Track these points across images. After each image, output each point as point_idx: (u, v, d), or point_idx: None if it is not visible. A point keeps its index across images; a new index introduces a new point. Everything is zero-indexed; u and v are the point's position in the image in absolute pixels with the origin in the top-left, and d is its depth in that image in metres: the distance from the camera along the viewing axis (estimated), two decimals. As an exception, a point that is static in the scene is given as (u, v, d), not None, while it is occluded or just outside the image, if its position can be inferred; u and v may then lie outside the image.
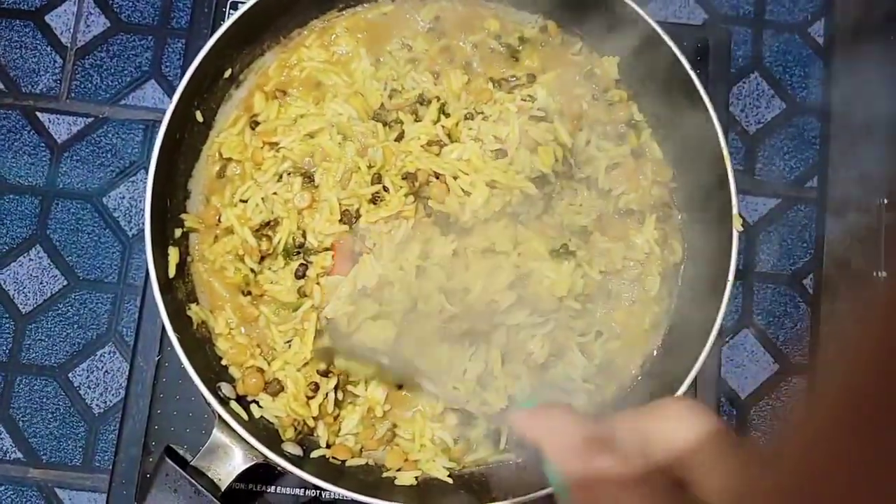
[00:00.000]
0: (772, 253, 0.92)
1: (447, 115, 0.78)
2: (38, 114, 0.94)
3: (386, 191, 0.74)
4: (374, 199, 0.75)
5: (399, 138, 0.77)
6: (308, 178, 0.77)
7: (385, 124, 0.78)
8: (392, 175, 0.75)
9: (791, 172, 0.94)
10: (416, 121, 0.78)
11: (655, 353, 0.78)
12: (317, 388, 0.73)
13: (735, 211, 0.72)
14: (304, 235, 0.76)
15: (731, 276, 0.72)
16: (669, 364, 0.75)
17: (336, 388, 0.74)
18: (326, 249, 0.75)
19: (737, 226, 0.72)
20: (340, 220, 0.74)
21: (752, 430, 0.88)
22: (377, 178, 0.75)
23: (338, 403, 0.74)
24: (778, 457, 0.32)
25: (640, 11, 0.75)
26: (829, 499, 0.27)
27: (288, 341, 0.75)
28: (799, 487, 0.29)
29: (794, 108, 0.96)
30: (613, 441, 0.41)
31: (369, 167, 0.75)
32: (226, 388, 0.73)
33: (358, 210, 0.75)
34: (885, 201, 0.78)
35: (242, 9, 0.77)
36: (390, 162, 0.76)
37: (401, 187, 0.74)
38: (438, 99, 0.79)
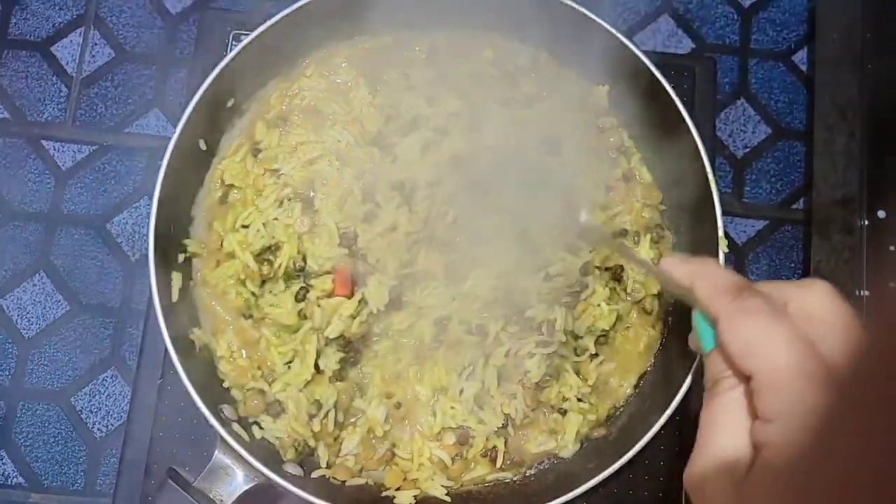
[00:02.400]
0: (761, 273, 0.95)
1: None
2: (44, 142, 0.96)
3: (378, 206, 0.77)
4: (368, 218, 0.77)
5: (394, 161, 0.80)
6: (308, 203, 0.79)
7: (381, 148, 0.81)
8: (382, 189, 0.77)
9: (778, 195, 0.97)
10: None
11: (648, 372, 0.80)
12: (319, 406, 0.75)
13: (720, 232, 0.75)
14: (304, 259, 0.78)
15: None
16: (662, 382, 0.77)
17: (336, 410, 0.75)
18: (327, 273, 0.77)
19: (722, 247, 0.74)
20: (340, 244, 0.77)
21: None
22: (369, 196, 0.77)
23: (338, 424, 0.75)
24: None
25: (627, 42, 0.78)
26: None
27: (288, 363, 0.77)
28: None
29: (779, 133, 0.99)
30: (761, 293, 0.47)
31: (362, 188, 0.78)
32: (227, 410, 0.75)
33: (355, 230, 0.77)
34: (867, 223, 0.81)
35: (245, 40, 0.79)
36: (381, 178, 0.78)
37: (392, 198, 0.76)
38: (429, 119, 0.82)
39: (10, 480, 0.87)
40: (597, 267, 0.78)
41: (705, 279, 0.49)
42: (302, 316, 0.77)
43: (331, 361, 0.75)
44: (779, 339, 0.43)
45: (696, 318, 0.51)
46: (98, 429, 0.89)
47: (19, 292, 0.92)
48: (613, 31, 0.78)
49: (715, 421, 0.46)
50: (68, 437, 0.88)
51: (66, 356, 0.91)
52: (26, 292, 0.92)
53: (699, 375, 0.73)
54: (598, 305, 0.77)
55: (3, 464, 0.88)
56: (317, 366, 0.76)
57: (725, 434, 0.45)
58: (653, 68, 0.77)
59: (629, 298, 0.79)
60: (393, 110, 0.83)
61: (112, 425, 0.89)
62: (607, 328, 0.77)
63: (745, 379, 0.45)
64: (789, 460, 0.40)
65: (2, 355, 0.90)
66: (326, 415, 0.75)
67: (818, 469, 0.31)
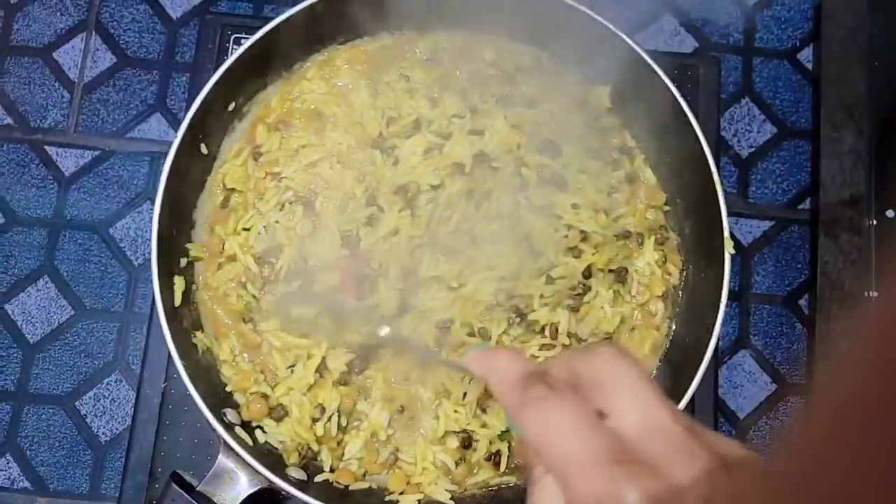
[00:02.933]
0: (767, 274, 0.94)
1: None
2: (46, 147, 0.97)
3: (381, 210, 0.77)
4: (370, 222, 0.77)
5: (396, 163, 0.80)
6: (309, 206, 0.79)
7: (382, 151, 0.81)
8: (385, 194, 0.77)
9: (784, 195, 0.96)
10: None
11: (654, 375, 0.79)
12: (322, 410, 0.74)
13: (726, 234, 0.74)
14: (305, 261, 0.78)
15: (723, 299, 0.73)
16: (667, 385, 0.76)
17: (339, 414, 0.75)
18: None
19: (728, 248, 0.73)
20: (342, 245, 0.77)
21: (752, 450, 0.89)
22: (372, 200, 0.77)
23: (341, 428, 0.75)
24: (775, 474, 0.34)
25: (630, 41, 0.78)
26: None
27: (290, 366, 0.77)
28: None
29: (785, 132, 0.98)
30: (548, 376, 0.45)
31: (364, 191, 0.78)
32: (231, 414, 0.75)
33: (357, 233, 0.77)
34: (875, 223, 0.80)
35: (246, 44, 0.79)
36: (383, 182, 0.78)
37: (395, 203, 0.76)
38: (431, 123, 0.81)
39: (15, 484, 0.88)
40: (600, 269, 0.78)
41: (495, 373, 0.47)
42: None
43: (339, 362, 0.75)
44: (564, 424, 0.41)
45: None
46: (103, 433, 0.89)
47: (24, 297, 0.92)
48: (616, 30, 0.77)
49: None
50: (73, 442, 0.88)
51: (71, 360, 0.91)
52: (31, 297, 0.92)
53: (708, 376, 0.72)
54: (602, 308, 0.76)
55: (9, 468, 0.88)
56: (322, 368, 0.76)
57: None
58: (656, 68, 0.76)
59: (633, 301, 0.78)
60: (394, 112, 0.83)
61: (116, 429, 0.89)
62: (611, 331, 0.77)
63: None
64: None
65: (7, 360, 0.91)
66: (329, 419, 0.74)
67: None
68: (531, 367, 0.47)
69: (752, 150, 0.97)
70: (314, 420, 0.75)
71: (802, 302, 0.93)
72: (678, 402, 0.71)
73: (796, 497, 0.31)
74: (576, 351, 0.48)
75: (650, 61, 0.76)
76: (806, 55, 1.00)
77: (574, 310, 0.76)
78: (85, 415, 0.89)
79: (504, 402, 0.47)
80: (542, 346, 0.75)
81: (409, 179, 0.78)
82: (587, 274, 0.77)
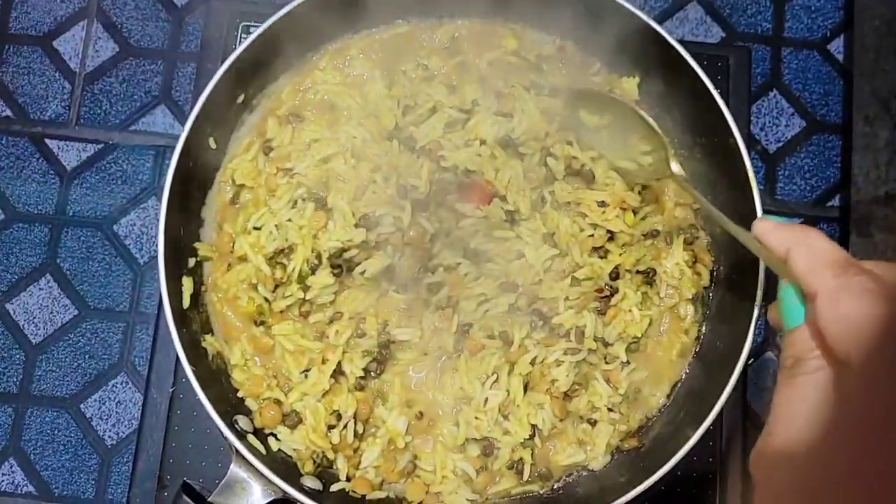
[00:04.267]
0: (794, 273, 0.91)
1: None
2: (47, 140, 0.93)
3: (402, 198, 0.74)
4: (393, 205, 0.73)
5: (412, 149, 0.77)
6: (321, 203, 0.76)
7: (399, 142, 0.77)
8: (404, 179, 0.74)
9: (812, 191, 0.93)
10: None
11: (682, 380, 0.76)
12: (339, 417, 0.71)
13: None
14: (318, 258, 0.75)
15: (758, 300, 0.70)
16: (697, 391, 0.74)
17: (356, 421, 0.72)
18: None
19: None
20: (357, 225, 0.73)
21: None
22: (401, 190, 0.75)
23: (358, 436, 0.72)
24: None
25: (661, 31, 0.74)
26: None
27: (304, 371, 0.74)
28: None
29: (814, 126, 0.94)
30: (867, 270, 0.42)
31: (385, 180, 0.75)
32: (243, 422, 0.72)
33: (376, 215, 0.73)
34: (914, 222, 0.77)
35: (256, 33, 0.75)
36: (401, 170, 0.75)
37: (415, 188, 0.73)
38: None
39: (20, 489, 0.85)
40: (627, 270, 0.75)
41: (805, 249, 0.45)
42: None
43: (356, 366, 0.72)
44: (883, 327, 0.38)
45: (785, 291, 0.47)
46: (109, 436, 0.86)
47: (25, 296, 0.89)
48: (646, 17, 0.73)
49: (792, 406, 0.42)
50: (78, 445, 0.86)
51: (75, 362, 0.88)
52: (33, 296, 0.89)
53: (740, 382, 0.69)
54: (630, 311, 0.73)
55: (13, 472, 0.85)
56: (337, 373, 0.73)
57: (802, 424, 0.41)
58: (689, 59, 0.73)
59: (662, 304, 0.75)
60: (411, 101, 0.79)
61: (123, 433, 0.86)
62: (639, 335, 0.74)
63: (836, 363, 0.41)
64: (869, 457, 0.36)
65: (9, 361, 0.88)
66: (346, 426, 0.72)
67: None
68: (848, 255, 0.44)
69: (780, 144, 0.94)
70: (330, 427, 0.72)
71: (831, 302, 0.90)
72: (711, 408, 0.68)
73: None
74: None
75: (684, 53, 0.73)
76: (836, 46, 0.96)
77: (601, 313, 0.73)
78: (90, 418, 0.86)
79: (809, 281, 0.43)
80: (567, 351, 0.72)
81: (430, 141, 0.75)
82: (614, 275, 0.74)
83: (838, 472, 0.37)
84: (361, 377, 0.73)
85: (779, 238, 0.47)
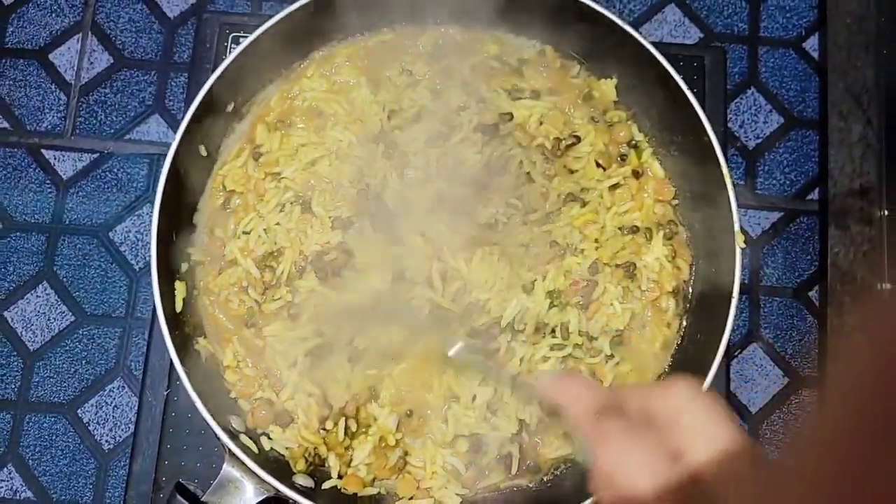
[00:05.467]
0: (777, 266, 0.93)
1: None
2: (44, 151, 0.95)
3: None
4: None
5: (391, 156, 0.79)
6: (307, 206, 0.78)
7: (385, 145, 0.79)
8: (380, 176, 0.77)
9: (792, 186, 0.95)
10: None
11: (666, 372, 0.78)
12: (330, 408, 0.73)
13: (736, 227, 0.73)
14: (305, 260, 0.77)
15: (735, 293, 0.72)
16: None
17: (346, 418, 0.74)
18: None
19: (739, 242, 0.72)
20: (332, 227, 0.76)
21: (765, 444, 0.88)
22: (365, 189, 0.77)
23: (349, 433, 0.74)
24: (791, 470, 0.33)
25: (635, 34, 0.76)
26: None
27: (293, 364, 0.75)
28: (814, 498, 0.30)
29: (791, 122, 0.96)
30: (622, 409, 0.46)
31: (360, 178, 0.77)
32: (235, 422, 0.73)
33: (349, 218, 0.76)
34: (887, 213, 0.79)
35: (244, 43, 0.78)
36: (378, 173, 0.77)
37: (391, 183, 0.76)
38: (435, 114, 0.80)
39: (18, 495, 0.86)
40: (606, 264, 0.76)
41: (572, 400, 0.48)
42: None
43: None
44: (637, 462, 0.42)
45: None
46: (106, 441, 0.88)
47: (23, 304, 0.91)
48: (621, 22, 0.76)
49: None
50: (76, 450, 0.87)
51: (72, 367, 0.89)
52: (30, 304, 0.91)
53: (719, 370, 0.71)
54: (611, 304, 0.75)
55: (11, 478, 0.87)
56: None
57: None
58: (662, 60, 0.75)
59: (643, 297, 0.77)
60: (395, 105, 0.81)
61: (120, 437, 0.87)
62: (622, 328, 0.75)
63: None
64: None
65: (7, 368, 0.89)
66: (337, 424, 0.73)
67: None
68: (608, 397, 0.47)
69: (759, 140, 0.96)
70: (322, 420, 0.73)
71: (813, 294, 0.92)
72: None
73: (811, 493, 0.30)
74: (652, 385, 0.49)
75: (656, 53, 0.75)
76: (812, 44, 0.98)
77: (583, 307, 0.75)
78: (87, 422, 0.88)
79: (579, 430, 0.47)
80: (553, 347, 0.73)
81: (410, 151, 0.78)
82: (594, 270, 0.75)
83: None
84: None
85: (552, 393, 0.50)
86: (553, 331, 0.74)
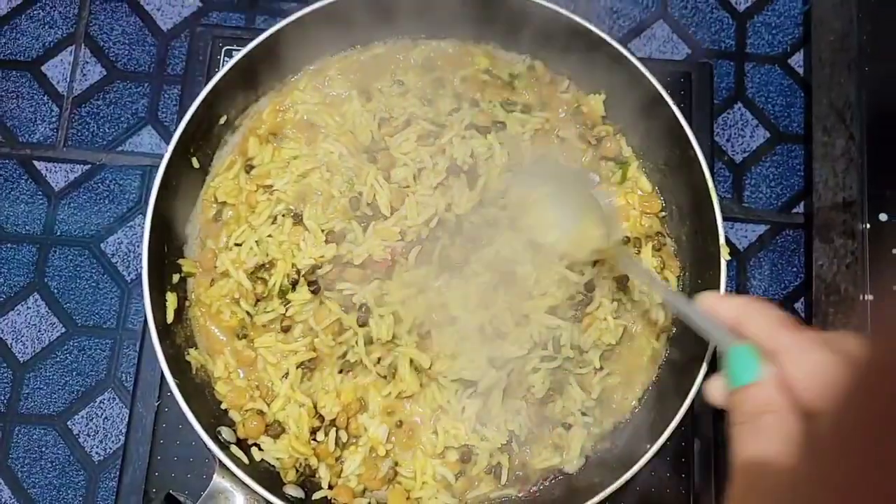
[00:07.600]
0: (763, 278, 0.94)
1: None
2: (35, 162, 0.95)
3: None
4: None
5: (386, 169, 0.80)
6: (299, 218, 0.79)
7: (375, 154, 0.80)
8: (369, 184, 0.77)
9: (778, 199, 0.96)
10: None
11: (653, 383, 0.79)
12: (322, 419, 0.73)
13: (721, 241, 0.74)
14: (298, 274, 0.77)
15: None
16: (666, 393, 0.76)
17: (337, 429, 0.74)
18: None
19: (724, 255, 0.73)
20: (326, 241, 0.76)
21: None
22: (357, 197, 0.78)
23: (340, 444, 0.74)
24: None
25: (623, 50, 0.77)
26: None
27: (284, 375, 0.75)
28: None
29: (777, 137, 0.98)
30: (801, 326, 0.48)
31: (350, 187, 0.78)
32: (226, 433, 0.74)
33: (343, 230, 0.76)
34: (868, 226, 0.80)
35: (237, 56, 0.78)
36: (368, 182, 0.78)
37: (381, 187, 0.76)
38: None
39: (7, 507, 0.86)
40: (603, 277, 0.77)
41: (760, 315, 0.50)
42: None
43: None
44: (853, 377, 0.42)
45: (734, 351, 0.50)
46: (96, 452, 0.87)
47: (13, 315, 0.91)
48: (609, 38, 0.77)
49: (765, 454, 0.45)
50: (66, 462, 0.87)
51: (63, 379, 0.89)
52: (20, 315, 0.91)
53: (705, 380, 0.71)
54: (605, 319, 0.76)
55: (0, 491, 0.86)
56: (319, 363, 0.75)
57: (778, 469, 0.43)
58: (649, 76, 0.76)
59: (634, 309, 0.78)
60: (386, 114, 0.82)
61: (110, 448, 0.87)
62: (614, 342, 0.76)
63: (802, 414, 0.45)
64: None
65: (-3, 380, 0.89)
66: (327, 433, 0.73)
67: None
68: (780, 316, 0.50)
69: (746, 154, 0.98)
70: (314, 431, 0.74)
71: (798, 305, 0.93)
72: (678, 407, 0.70)
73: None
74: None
75: (643, 69, 0.76)
76: (797, 60, 1.00)
77: (577, 320, 0.76)
78: (77, 434, 0.88)
79: (769, 341, 0.48)
80: (543, 359, 0.74)
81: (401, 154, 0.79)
82: (590, 287, 0.76)
83: None
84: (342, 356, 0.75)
85: (728, 308, 0.52)
86: (545, 343, 0.74)
